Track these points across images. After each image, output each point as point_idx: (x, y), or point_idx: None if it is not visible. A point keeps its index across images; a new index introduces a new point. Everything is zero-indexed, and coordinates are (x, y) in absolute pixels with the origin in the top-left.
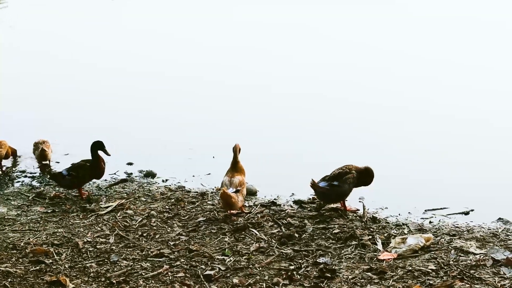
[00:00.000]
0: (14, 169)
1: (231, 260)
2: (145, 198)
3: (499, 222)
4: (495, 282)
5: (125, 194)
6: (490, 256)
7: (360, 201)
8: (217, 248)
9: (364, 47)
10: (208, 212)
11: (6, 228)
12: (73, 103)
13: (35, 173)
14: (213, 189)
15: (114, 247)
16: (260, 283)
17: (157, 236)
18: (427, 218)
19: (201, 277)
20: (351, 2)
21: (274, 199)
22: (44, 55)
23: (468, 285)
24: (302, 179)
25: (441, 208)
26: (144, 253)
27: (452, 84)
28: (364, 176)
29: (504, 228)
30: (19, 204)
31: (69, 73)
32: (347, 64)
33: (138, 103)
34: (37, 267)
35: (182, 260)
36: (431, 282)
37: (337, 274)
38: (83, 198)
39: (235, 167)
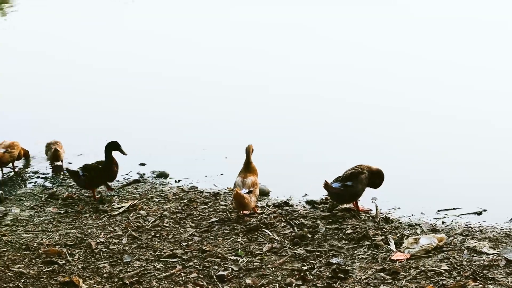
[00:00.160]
0: (26, 170)
1: (244, 261)
2: (157, 198)
3: None
4: (508, 282)
5: (138, 195)
6: (503, 256)
7: (373, 202)
8: (230, 248)
9: (365, 48)
10: (221, 213)
11: (19, 229)
12: (70, 103)
13: (48, 174)
14: (225, 189)
15: (127, 248)
16: (273, 284)
17: (170, 237)
18: (440, 218)
19: (214, 277)
20: (351, 2)
21: (287, 199)
22: (40, 56)
23: (481, 286)
24: (314, 180)
25: (453, 208)
26: (157, 253)
27: (454, 85)
28: (375, 178)
29: None
30: (32, 205)
31: (65, 73)
32: (347, 65)
33: (136, 103)
34: (50, 268)
35: (195, 260)
36: (444, 282)
37: (350, 274)
38: (96, 199)
39: (248, 168)
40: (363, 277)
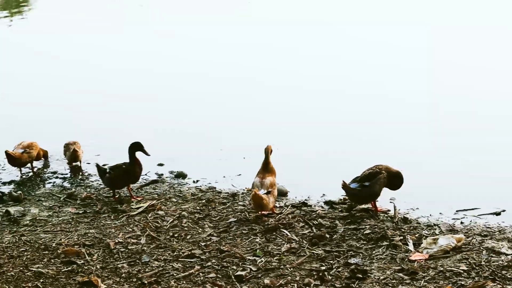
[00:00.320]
0: (45, 170)
1: (262, 261)
2: (176, 199)
3: None
4: None
5: (156, 195)
6: None
7: (391, 202)
8: (248, 248)
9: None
10: (239, 213)
11: (38, 229)
12: (90, 105)
13: (66, 174)
14: (244, 189)
15: (145, 248)
16: (292, 284)
17: (188, 237)
18: (459, 219)
19: (233, 277)
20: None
21: (305, 199)
22: (57, 57)
23: (500, 286)
24: (332, 180)
25: (472, 209)
26: (175, 253)
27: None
28: (395, 179)
29: None
30: (50, 205)
31: (84, 75)
32: (375, 65)
33: (141, 103)
34: (69, 268)
35: (214, 260)
36: (462, 282)
37: (369, 274)
38: (115, 199)
39: (266, 168)
40: (381, 278)
